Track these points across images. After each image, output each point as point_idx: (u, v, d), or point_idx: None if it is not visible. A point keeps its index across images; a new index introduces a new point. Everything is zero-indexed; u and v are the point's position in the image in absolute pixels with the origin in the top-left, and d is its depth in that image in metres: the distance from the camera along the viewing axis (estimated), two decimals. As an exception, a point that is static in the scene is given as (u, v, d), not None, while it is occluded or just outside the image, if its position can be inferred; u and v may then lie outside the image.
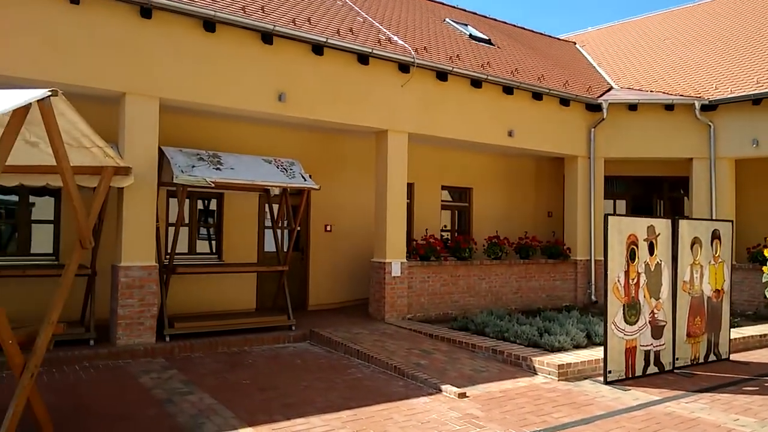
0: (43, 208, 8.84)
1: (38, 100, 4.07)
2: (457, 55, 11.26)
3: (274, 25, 8.47)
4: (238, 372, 6.93)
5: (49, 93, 4.14)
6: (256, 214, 10.50)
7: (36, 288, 7.75)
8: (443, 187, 13.22)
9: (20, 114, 4.02)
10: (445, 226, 13.33)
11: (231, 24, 8.23)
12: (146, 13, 7.65)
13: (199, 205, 10.22)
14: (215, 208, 10.32)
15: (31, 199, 8.73)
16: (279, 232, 9.48)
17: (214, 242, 10.27)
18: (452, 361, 7.48)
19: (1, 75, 6.84)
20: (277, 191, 9.47)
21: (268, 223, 10.34)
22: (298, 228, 9.38)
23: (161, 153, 8.08)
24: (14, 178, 5.56)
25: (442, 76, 10.56)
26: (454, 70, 10.51)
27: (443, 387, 6.32)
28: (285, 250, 9.33)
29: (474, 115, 11.14)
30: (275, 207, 9.44)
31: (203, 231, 10.30)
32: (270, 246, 10.41)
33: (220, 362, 7.37)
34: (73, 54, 7.25)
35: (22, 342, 4.15)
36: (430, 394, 6.24)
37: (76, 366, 6.93)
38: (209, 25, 8.11)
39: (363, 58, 9.58)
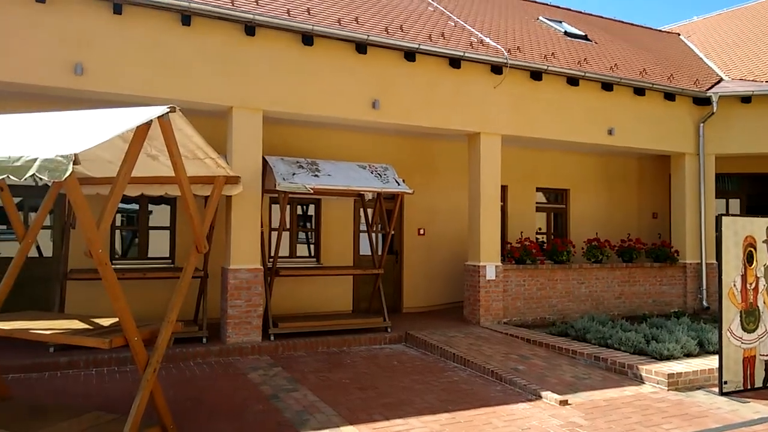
0: (160, 215, 9.60)
1: (158, 117, 4.46)
2: (552, 53, 10.98)
3: (368, 35, 8.68)
4: (338, 371, 7.15)
5: (168, 110, 4.52)
6: (351, 218, 10.80)
7: (154, 289, 8.43)
8: (538, 189, 12.91)
9: (143, 130, 4.41)
10: (540, 229, 13.00)
11: (327, 36, 8.54)
12: (250, 30, 8.11)
13: (298, 210, 10.67)
14: (313, 213, 10.73)
15: (150, 207, 9.52)
16: (374, 235, 9.69)
17: (312, 246, 10.68)
18: (552, 367, 7.29)
19: (122, 94, 7.51)
20: (371, 196, 9.69)
21: (363, 227, 10.60)
22: (392, 232, 9.54)
23: (264, 162, 8.52)
24: (137, 188, 6.11)
25: (536, 75, 10.34)
26: (549, 68, 10.26)
27: (543, 393, 6.18)
28: (380, 253, 9.53)
29: (570, 114, 10.80)
30: (370, 211, 9.66)
31: (302, 235, 10.73)
32: (365, 249, 10.66)
33: (320, 361, 7.65)
34: (186, 73, 7.82)
35: (145, 339, 4.52)
36: (530, 400, 6.13)
37: (191, 362, 7.46)
38: (307, 38, 8.46)
39: (455, 62, 9.59)
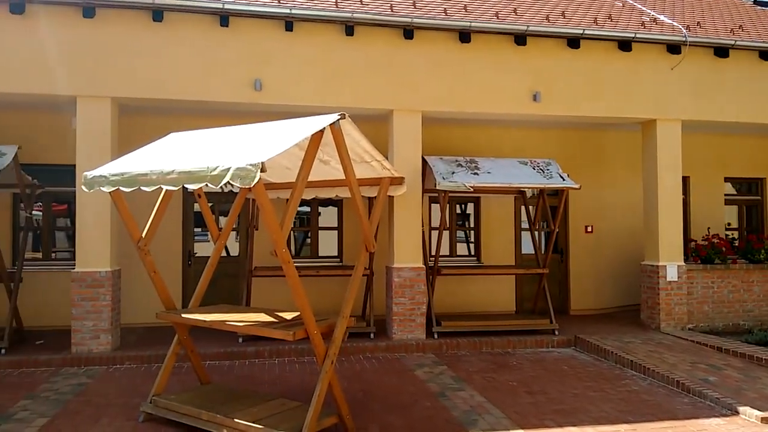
0: (329, 216, 10.18)
1: (330, 124, 4.71)
2: (740, 26, 9.72)
3: (528, 26, 8.39)
4: (504, 373, 7.00)
5: (339, 117, 4.76)
6: (512, 216, 10.53)
7: (325, 285, 8.98)
8: (726, 179, 11.52)
9: (317, 137, 4.68)
10: (730, 224, 11.58)
11: (485, 31, 8.41)
12: (409, 34, 8.26)
13: (457, 209, 10.66)
14: (472, 212, 10.64)
15: (319, 209, 10.14)
16: (536, 234, 9.34)
17: (472, 245, 10.59)
18: (750, 380, 6.44)
19: (294, 105, 8.06)
20: (533, 193, 9.35)
21: (524, 225, 10.28)
22: (557, 229, 9.11)
23: (424, 162, 8.63)
24: (311, 191, 6.51)
25: (721, 52, 9.21)
26: (737, 43, 9.08)
27: (741, 409, 5.48)
28: (543, 252, 9.16)
29: (764, 93, 9.46)
30: (532, 209, 9.33)
31: (461, 234, 10.70)
32: (527, 248, 10.33)
33: (485, 362, 7.55)
34: (350, 80, 8.18)
35: (323, 332, 4.79)
36: (724, 415, 5.46)
37: (360, 356, 7.80)
38: (465, 35, 8.40)
39: (624, 45, 8.90)
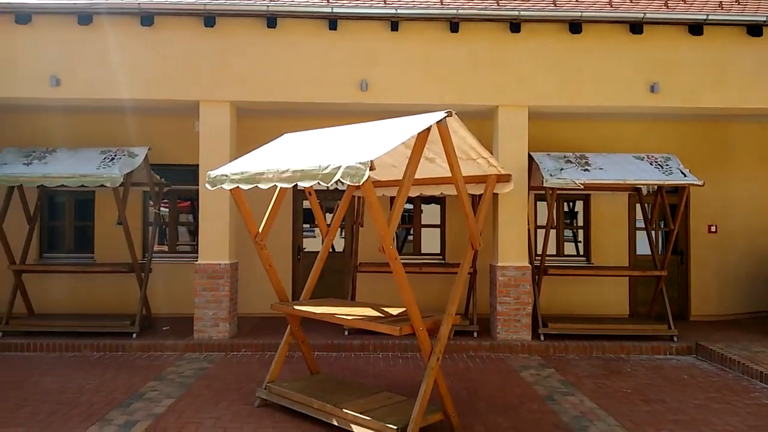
0: (430, 214, 10.20)
1: (437, 122, 4.73)
2: None
3: (644, 13, 7.91)
4: (616, 379, 6.67)
5: (446, 114, 4.76)
6: (625, 214, 9.98)
7: (427, 282, 9.01)
8: None
9: (424, 135, 4.70)
10: None
11: (597, 21, 8.04)
12: (515, 27, 8.08)
13: (565, 207, 10.28)
14: (581, 210, 10.22)
15: (422, 206, 10.18)
16: (653, 233, 8.78)
17: (581, 244, 10.18)
18: None
19: (399, 104, 8.14)
20: (649, 190, 8.80)
21: (639, 224, 9.72)
22: (677, 229, 8.51)
23: (530, 158, 8.41)
24: (416, 189, 6.56)
25: None
26: None
27: None
28: (661, 253, 8.61)
29: None
30: (648, 206, 8.79)
31: (568, 233, 10.31)
32: (643, 248, 9.75)
33: (595, 366, 7.23)
34: (453, 77, 8.14)
35: (429, 329, 4.82)
36: None
37: (464, 354, 7.75)
38: (575, 26, 8.08)
39: (754, 29, 8.13)
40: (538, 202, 9.87)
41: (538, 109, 8.39)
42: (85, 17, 7.86)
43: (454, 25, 8.08)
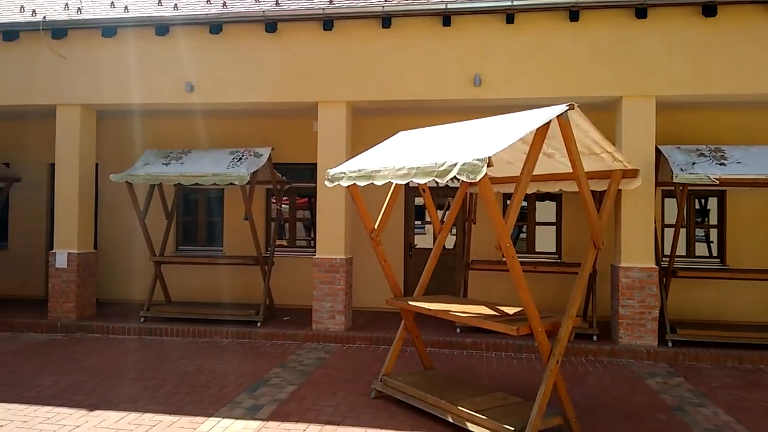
0: (545, 211, 9.87)
1: (558, 116, 4.56)
2: None
3: (793, -11, 7.12)
4: (756, 391, 6.09)
5: (567, 108, 4.59)
6: (768, 213, 9.07)
7: (542, 282, 8.73)
8: None
9: (543, 130, 4.56)
10: None
11: (736, 2, 7.36)
12: (641, 13, 7.60)
13: (695, 204, 9.51)
14: (714, 207, 9.40)
15: (536, 203, 9.89)
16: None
17: (714, 245, 9.37)
18: None
19: (514, 98, 7.95)
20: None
21: (785, 223, 8.78)
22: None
23: (657, 152, 7.88)
24: (533, 185, 6.38)
25: None
26: None
27: None
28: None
29: None
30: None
31: (699, 232, 9.52)
32: (790, 250, 8.81)
33: (731, 377, 6.64)
34: (572, 68, 7.81)
35: (547, 330, 4.67)
36: None
37: (582, 358, 7.44)
38: (709, 8, 7.45)
39: None
40: (665, 199, 9.22)
41: (665, 99, 7.84)
42: (215, 27, 8.46)
43: (573, 13, 7.75)
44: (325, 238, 8.33)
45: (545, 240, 9.87)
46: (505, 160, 5.77)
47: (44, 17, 8.72)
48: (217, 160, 8.65)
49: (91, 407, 5.35)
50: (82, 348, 7.80)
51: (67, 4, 9.30)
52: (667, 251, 8.03)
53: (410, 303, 5.59)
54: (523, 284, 4.48)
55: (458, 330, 8.20)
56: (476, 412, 4.65)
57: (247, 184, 8.34)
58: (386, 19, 8.09)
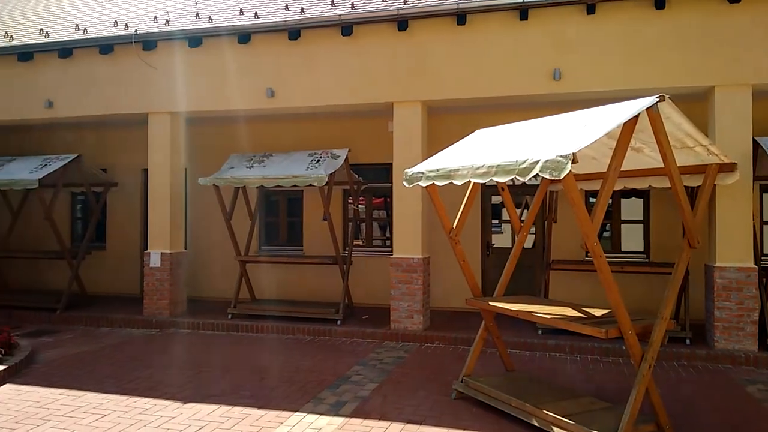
0: (631, 208, 9.44)
1: (647, 108, 4.36)
2: None
3: None
4: None
5: (657, 99, 4.37)
6: None
7: (628, 283, 8.33)
8: None
9: (631, 124, 4.37)
10: None
11: None
12: (735, -3, 7.14)
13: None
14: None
15: (621, 200, 9.48)
16: None
17: (822, 243, 8.64)
18: None
19: (596, 91, 7.67)
20: None
21: None
22: None
23: (755, 144, 7.36)
24: (620, 182, 6.12)
25: None
26: None
27: None
28: None
29: None
30: None
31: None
32: None
33: None
34: (658, 58, 7.43)
35: (638, 333, 4.47)
36: None
37: (674, 363, 7.07)
38: (815, -14, 6.88)
39: None
40: (763, 194, 8.60)
41: (763, 88, 7.30)
42: (294, 32, 8.69)
43: (659, 1, 7.37)
44: (402, 238, 8.37)
45: (631, 239, 9.45)
46: (590, 155, 5.57)
47: (136, 30, 9.29)
48: (297, 162, 8.89)
49: (185, 399, 5.64)
50: (175, 343, 8.25)
51: (156, 17, 9.85)
52: (767, 250, 7.48)
53: (491, 303, 5.51)
54: (611, 285, 4.31)
55: (539, 331, 8.00)
56: (563, 416, 4.53)
57: (325, 185, 8.52)
58: (461, 17, 8.01)
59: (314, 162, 8.79)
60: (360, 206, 10.51)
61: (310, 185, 8.66)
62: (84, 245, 10.33)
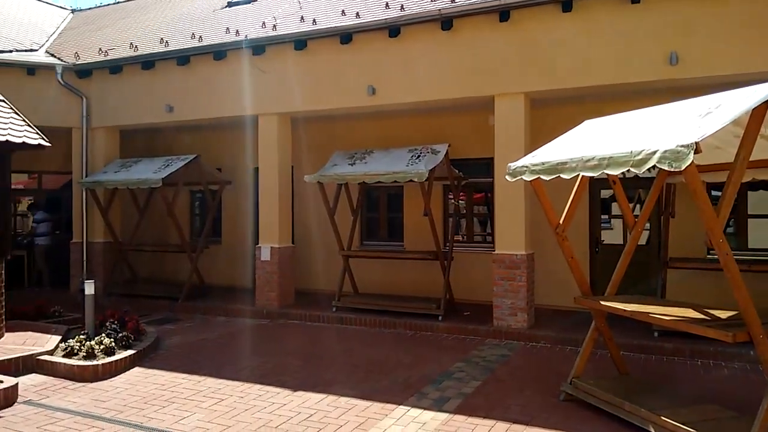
0: (760, 201, 8.63)
1: (780, 92, 3.95)
2: None
3: None
4: None
5: (796, 81, 3.95)
6: None
7: (758, 284, 7.61)
8: None
9: (761, 111, 4.00)
10: None
11: None
12: None
13: None
14: None
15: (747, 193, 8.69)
16: None
17: None
18: None
19: (715, 76, 7.07)
20: None
21: None
22: None
23: None
24: (748, 173, 5.59)
25: None
26: None
27: None
28: None
29: None
30: None
31: None
32: None
33: None
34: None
35: (770, 338, 4.08)
36: None
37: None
38: None
39: None
40: None
41: None
42: (394, 30, 8.75)
43: (795, -28, 6.67)
44: (505, 234, 8.20)
45: (760, 235, 8.64)
46: (713, 145, 5.15)
47: (246, 36, 9.78)
48: (397, 159, 8.96)
49: (295, 388, 5.89)
50: (284, 333, 8.64)
51: (264, 23, 10.32)
52: None
53: (603, 303, 5.26)
54: (740, 285, 3.98)
55: (655, 333, 7.51)
56: (683, 424, 4.22)
57: (425, 180, 8.52)
58: (566, 3, 7.69)
59: (414, 158, 8.82)
60: (460, 201, 10.42)
61: (411, 181, 8.70)
62: (202, 240, 11.06)
